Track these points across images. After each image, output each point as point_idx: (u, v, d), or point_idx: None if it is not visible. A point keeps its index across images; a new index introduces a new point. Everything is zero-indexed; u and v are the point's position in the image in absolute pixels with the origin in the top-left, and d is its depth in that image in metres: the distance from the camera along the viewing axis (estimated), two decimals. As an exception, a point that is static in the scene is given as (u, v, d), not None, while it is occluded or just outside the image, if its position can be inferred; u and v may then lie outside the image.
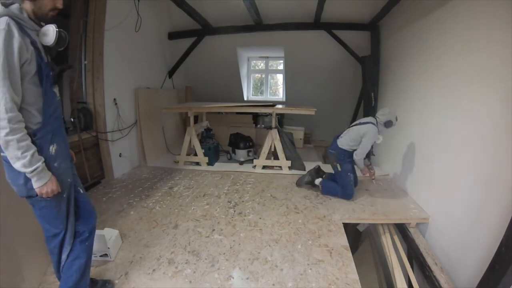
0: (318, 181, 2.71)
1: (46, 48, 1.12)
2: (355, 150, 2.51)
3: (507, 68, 1.52)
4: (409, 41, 2.89)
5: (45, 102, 1.10)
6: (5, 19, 0.96)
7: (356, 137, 2.51)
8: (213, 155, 3.72)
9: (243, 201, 2.53)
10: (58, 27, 1.11)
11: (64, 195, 1.22)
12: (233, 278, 1.56)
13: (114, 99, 3.03)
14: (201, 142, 3.70)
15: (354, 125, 2.62)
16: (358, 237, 3.01)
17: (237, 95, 5.47)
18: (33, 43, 1.04)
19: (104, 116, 2.88)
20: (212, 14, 3.92)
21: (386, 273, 2.26)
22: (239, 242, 1.89)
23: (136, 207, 2.38)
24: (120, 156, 3.18)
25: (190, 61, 4.64)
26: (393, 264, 1.95)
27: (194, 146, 3.57)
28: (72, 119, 2.60)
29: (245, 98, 5.63)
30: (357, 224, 2.79)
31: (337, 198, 2.57)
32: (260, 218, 2.21)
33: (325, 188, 2.65)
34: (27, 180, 1.07)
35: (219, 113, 5.11)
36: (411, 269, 1.95)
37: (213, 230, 2.04)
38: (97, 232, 1.68)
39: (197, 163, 3.59)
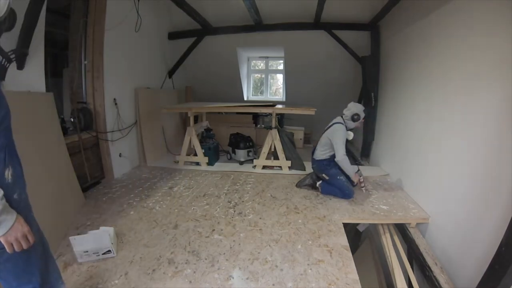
0: (318, 183, 2.73)
1: None
2: (332, 154, 2.58)
3: (508, 68, 1.52)
4: (409, 41, 2.88)
5: None
6: None
7: (326, 141, 2.62)
8: (213, 155, 3.72)
9: (243, 201, 2.53)
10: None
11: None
12: (233, 278, 1.55)
13: (114, 99, 3.03)
14: (201, 142, 3.70)
15: (324, 132, 2.70)
16: (358, 237, 3.00)
17: (237, 95, 5.47)
18: None
19: (104, 116, 2.88)
20: (212, 14, 3.92)
21: (386, 273, 2.25)
22: (239, 242, 1.89)
23: (136, 207, 2.38)
24: (120, 156, 3.18)
25: (190, 61, 4.64)
26: (393, 264, 1.95)
27: (194, 146, 3.57)
28: (72, 119, 2.60)
29: (245, 98, 5.63)
30: (357, 224, 2.79)
31: (338, 198, 2.57)
32: (260, 218, 2.21)
33: (324, 189, 2.67)
34: None
35: (219, 113, 5.11)
36: (411, 269, 1.94)
37: (213, 230, 2.04)
38: (99, 230, 1.69)
39: (197, 163, 3.59)
